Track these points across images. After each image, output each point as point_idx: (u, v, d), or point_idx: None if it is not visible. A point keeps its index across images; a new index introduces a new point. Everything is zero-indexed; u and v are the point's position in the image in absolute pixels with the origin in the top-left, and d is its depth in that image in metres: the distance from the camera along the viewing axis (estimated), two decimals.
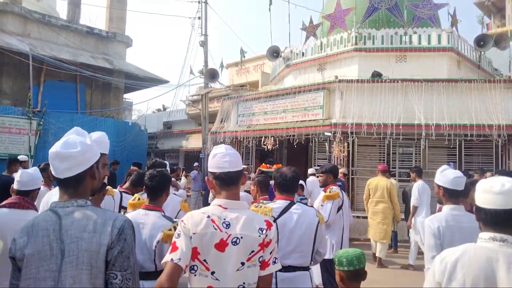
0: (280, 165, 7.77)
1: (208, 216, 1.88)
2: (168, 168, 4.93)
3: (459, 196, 3.01)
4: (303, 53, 13.86)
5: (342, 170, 8.94)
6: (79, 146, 1.68)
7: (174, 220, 2.85)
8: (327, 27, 13.56)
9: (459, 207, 2.96)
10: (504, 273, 1.60)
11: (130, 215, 2.82)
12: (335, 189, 4.67)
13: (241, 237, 1.86)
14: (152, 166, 4.36)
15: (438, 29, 12.25)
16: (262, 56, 19.24)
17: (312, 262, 2.99)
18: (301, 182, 8.02)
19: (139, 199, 3.57)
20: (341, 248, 4.60)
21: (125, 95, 22.70)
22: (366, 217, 8.19)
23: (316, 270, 4.54)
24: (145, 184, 2.94)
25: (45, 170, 5.01)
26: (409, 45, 11.98)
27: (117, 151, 14.97)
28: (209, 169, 2.03)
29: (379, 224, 7.47)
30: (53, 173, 1.67)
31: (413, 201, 7.25)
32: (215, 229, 1.85)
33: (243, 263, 1.85)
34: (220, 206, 1.95)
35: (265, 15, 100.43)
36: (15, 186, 2.96)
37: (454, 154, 10.01)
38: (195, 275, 1.85)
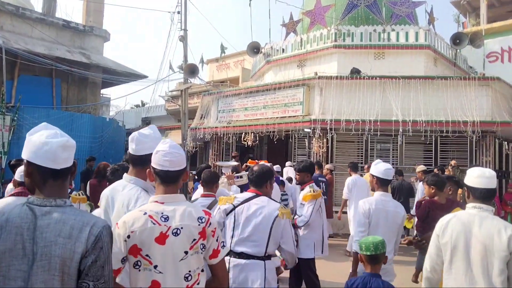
0: (267, 161, 7.77)
1: (145, 213, 1.91)
2: None
3: (388, 184, 3.75)
4: (283, 50, 13.89)
5: (328, 166, 9.04)
6: (67, 138, 1.69)
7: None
8: (307, 24, 13.63)
9: (387, 194, 3.66)
10: (477, 228, 2.38)
11: (97, 210, 2.79)
12: (316, 187, 4.67)
13: (181, 227, 1.90)
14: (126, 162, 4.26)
15: (415, 27, 12.46)
16: (242, 52, 19.19)
17: (287, 265, 3.16)
18: (282, 178, 8.07)
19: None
20: (322, 247, 4.62)
21: (103, 91, 22.27)
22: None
23: None
24: (107, 178, 3.04)
25: (16, 166, 4.89)
26: (388, 42, 12.16)
27: (94, 147, 14.69)
28: (151, 164, 2.05)
29: None
30: (45, 163, 1.60)
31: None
32: (154, 223, 1.88)
33: (186, 252, 1.90)
34: (157, 201, 1.98)
35: (245, 11, 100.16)
36: (17, 177, 2.97)
37: (430, 150, 10.22)
38: (139, 270, 1.88)
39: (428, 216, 4.02)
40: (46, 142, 1.61)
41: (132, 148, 2.35)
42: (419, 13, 14.38)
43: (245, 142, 11.45)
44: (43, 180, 1.62)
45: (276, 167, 8.19)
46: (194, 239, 1.92)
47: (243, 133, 11.58)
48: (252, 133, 11.41)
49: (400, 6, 12.45)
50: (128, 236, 1.87)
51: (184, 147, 14.27)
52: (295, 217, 4.61)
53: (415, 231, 4.53)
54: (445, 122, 9.46)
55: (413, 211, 7.47)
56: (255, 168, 3.19)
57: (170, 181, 2.01)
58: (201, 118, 14.02)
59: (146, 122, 25.29)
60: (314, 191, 4.55)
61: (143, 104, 36.08)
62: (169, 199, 1.98)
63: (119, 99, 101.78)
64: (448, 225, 2.48)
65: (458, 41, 12.93)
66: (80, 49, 18.39)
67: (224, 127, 12.24)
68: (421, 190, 7.35)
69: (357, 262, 3.20)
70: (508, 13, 20.51)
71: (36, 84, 16.70)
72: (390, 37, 12.21)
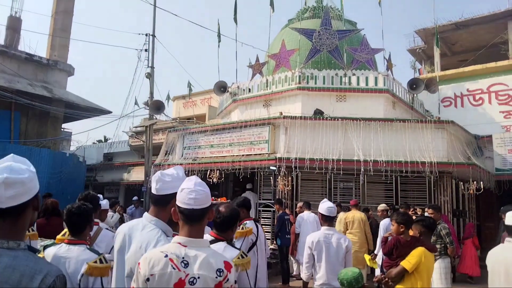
0: (225, 198, 7.74)
1: (166, 255, 1.83)
2: (102, 202, 4.69)
3: (332, 220, 4.49)
4: (249, 89, 14.18)
5: (299, 204, 9.09)
6: (27, 172, 1.54)
7: (100, 253, 2.74)
8: (273, 66, 14.07)
9: (332, 228, 4.33)
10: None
11: (52, 249, 2.70)
12: (248, 224, 4.52)
13: (198, 277, 1.80)
14: (83, 199, 4.08)
15: (375, 72, 13.12)
16: (209, 90, 19.41)
17: None
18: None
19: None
20: (255, 286, 4.33)
21: (64, 125, 21.70)
22: None
23: None
24: (64, 220, 2.83)
25: None
26: (349, 85, 12.70)
27: (52, 183, 14.13)
28: (176, 202, 1.98)
29: (356, 253, 7.70)
30: None
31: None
32: (174, 268, 1.80)
33: None
34: (180, 243, 1.89)
35: (213, 51, 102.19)
36: None
37: (391, 189, 10.51)
38: None
39: (393, 254, 4.10)
40: None
41: (154, 187, 2.29)
42: (378, 59, 15.23)
43: (211, 180, 11.37)
44: None
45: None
46: None
47: (209, 170, 11.52)
48: (218, 171, 11.37)
49: (360, 52, 13.13)
50: (148, 279, 1.80)
51: (146, 184, 13.97)
52: None
53: (384, 269, 4.57)
54: (404, 162, 9.82)
55: (376, 250, 7.59)
56: (223, 210, 2.97)
57: (195, 219, 1.93)
58: (165, 154, 13.86)
59: (108, 158, 24.68)
60: (244, 228, 4.36)
61: (105, 140, 35.35)
62: (193, 243, 1.89)
63: (81, 134, 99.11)
64: (489, 258, 3.23)
65: (414, 86, 13.69)
66: (42, 83, 18.04)
67: (189, 164, 12.14)
68: (383, 228, 7.49)
69: None
70: (460, 62, 22.06)
71: None
72: (351, 81, 12.77)
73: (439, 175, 10.02)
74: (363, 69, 13.14)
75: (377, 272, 7.56)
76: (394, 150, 10.22)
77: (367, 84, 12.71)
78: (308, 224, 8.33)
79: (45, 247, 2.78)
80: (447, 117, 11.95)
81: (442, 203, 10.15)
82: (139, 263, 1.86)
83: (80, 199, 3.95)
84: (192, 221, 1.93)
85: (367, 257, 7.43)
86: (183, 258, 1.83)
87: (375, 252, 7.59)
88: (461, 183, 10.98)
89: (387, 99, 12.83)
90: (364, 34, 13.96)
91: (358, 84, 12.74)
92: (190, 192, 1.92)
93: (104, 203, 7.12)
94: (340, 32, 13.32)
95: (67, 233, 3.43)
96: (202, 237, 1.98)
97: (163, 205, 2.26)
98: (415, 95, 14.23)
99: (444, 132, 10.68)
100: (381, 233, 7.50)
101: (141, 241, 2.17)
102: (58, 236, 3.45)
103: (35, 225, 5.55)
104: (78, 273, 2.57)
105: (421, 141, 10.37)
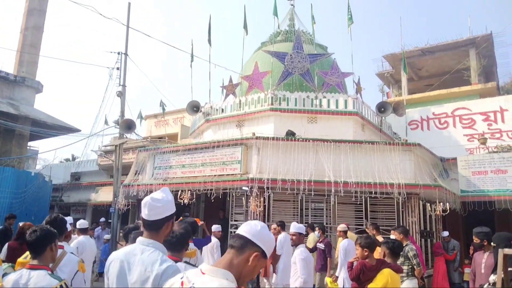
0: (198, 219, 7.63)
1: (182, 278, 1.81)
2: (68, 226, 4.55)
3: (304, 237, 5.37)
4: (222, 110, 14.22)
5: (274, 226, 8.91)
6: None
7: (62, 278, 2.65)
8: (246, 87, 14.20)
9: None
10: None
11: (12, 276, 2.61)
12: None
13: None
14: (51, 222, 3.93)
15: (344, 95, 13.45)
16: (182, 109, 19.35)
17: None
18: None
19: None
20: None
21: (31, 143, 21.06)
22: None
23: None
24: (26, 241, 2.73)
25: None
26: (319, 108, 12.95)
27: (15, 203, 13.57)
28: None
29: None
30: None
31: (277, 251, 8.16)
32: None
33: None
34: (201, 270, 1.78)
35: (186, 71, 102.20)
36: None
37: (361, 210, 10.65)
38: None
39: (360, 278, 4.13)
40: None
41: (144, 213, 2.32)
42: (347, 82, 15.65)
43: (181, 200, 11.21)
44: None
45: (216, 227, 8.09)
46: None
47: (180, 191, 11.36)
48: (189, 191, 11.24)
49: (330, 75, 13.47)
50: None
51: (115, 204, 13.63)
52: None
53: None
54: (373, 183, 10.00)
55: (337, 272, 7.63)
56: (176, 228, 2.87)
57: (149, 229, 2.23)
58: (135, 174, 13.60)
59: (75, 177, 23.99)
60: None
61: (73, 158, 34.39)
62: (213, 272, 1.73)
63: (48, 153, 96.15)
64: None
65: (383, 109, 14.10)
66: (8, 100, 17.51)
67: (159, 184, 11.93)
68: (342, 249, 7.54)
69: None
70: (426, 86, 22.97)
71: None
72: (322, 103, 13.02)
73: (407, 196, 10.23)
74: (333, 92, 13.44)
75: None
76: (363, 172, 10.40)
77: (337, 107, 12.98)
78: (288, 245, 8.11)
79: (3, 274, 2.67)
80: (414, 140, 12.32)
81: (410, 224, 10.34)
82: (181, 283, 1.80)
83: (47, 221, 3.82)
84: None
85: (328, 279, 7.47)
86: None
87: (336, 274, 7.63)
88: (428, 204, 11.26)
89: (356, 122, 13.12)
90: (335, 58, 14.37)
91: (328, 106, 13.00)
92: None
93: (83, 222, 6.92)
94: (312, 56, 13.64)
95: (28, 256, 3.31)
96: (161, 242, 2.26)
97: (156, 229, 2.29)
98: (383, 118, 14.63)
99: (411, 154, 10.98)
100: (340, 255, 7.55)
101: (145, 264, 2.15)
102: (20, 259, 3.32)
103: (4, 248, 5.30)
104: None
105: (390, 163, 10.61)
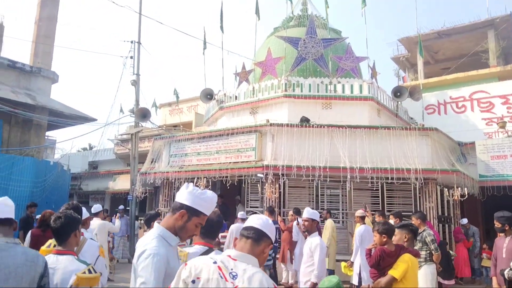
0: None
1: (215, 262, 1.88)
2: (86, 213, 4.63)
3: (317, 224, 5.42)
4: (236, 97, 14.20)
5: (291, 212, 9.08)
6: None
7: (88, 263, 2.71)
8: (259, 73, 14.13)
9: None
10: None
11: None
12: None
13: None
14: (72, 209, 4.03)
15: (359, 80, 13.28)
16: (196, 97, 19.39)
17: None
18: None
19: (54, 245, 3.37)
20: None
21: (48, 133, 21.41)
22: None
23: None
24: (51, 227, 2.78)
25: None
26: (334, 93, 12.82)
27: (35, 192, 13.85)
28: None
29: None
30: None
31: (293, 237, 8.52)
32: (221, 277, 1.83)
33: None
34: (230, 256, 1.93)
35: (199, 58, 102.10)
36: None
37: (377, 196, 10.59)
38: None
39: (379, 264, 4.11)
40: None
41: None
42: (362, 67, 15.44)
43: (197, 188, 11.29)
44: None
45: (241, 214, 8.16)
46: None
47: (196, 178, 11.46)
48: (205, 178, 11.32)
49: (345, 60, 13.28)
50: (193, 281, 1.84)
51: (132, 192, 13.83)
52: None
53: (371, 280, 4.57)
54: (390, 169, 9.92)
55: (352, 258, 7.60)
56: (212, 216, 2.87)
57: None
58: (151, 162, 13.74)
59: (93, 166, 24.37)
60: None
61: (90, 148, 34.92)
62: (243, 258, 1.92)
63: (65, 142, 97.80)
64: None
65: (398, 94, 13.88)
66: (25, 90, 17.75)
67: (175, 172, 12.05)
68: (358, 235, 7.51)
69: None
70: (442, 70, 22.51)
71: None
72: (336, 89, 12.89)
73: (424, 181, 10.13)
74: (348, 77, 13.29)
75: (354, 279, 7.62)
76: (379, 157, 10.31)
77: (352, 92, 12.84)
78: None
79: None
80: (431, 124, 12.12)
81: (428, 209, 10.26)
82: (185, 264, 1.93)
83: (67, 209, 3.89)
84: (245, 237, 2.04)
85: (343, 264, 7.47)
86: (231, 269, 1.86)
87: (351, 259, 7.61)
88: (446, 189, 11.13)
89: (372, 107, 12.97)
90: (349, 43, 14.14)
91: (343, 91, 12.86)
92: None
93: (97, 206, 7.78)
94: (325, 41, 13.46)
95: (52, 244, 3.38)
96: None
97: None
98: (399, 102, 14.42)
99: (428, 139, 10.84)
100: (356, 240, 7.52)
101: (138, 247, 2.18)
102: (43, 248, 3.39)
103: (28, 236, 5.45)
104: (66, 284, 2.54)
105: (406, 148, 10.50)
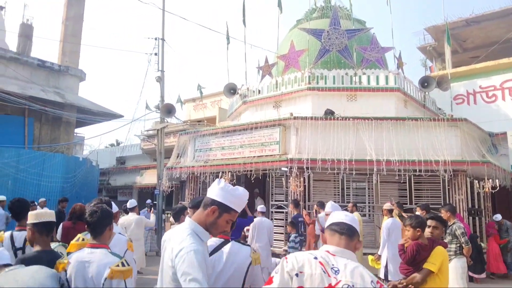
0: None
1: (316, 258, 1.92)
2: (115, 207, 4.73)
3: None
4: (259, 91, 14.18)
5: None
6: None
7: (121, 256, 2.77)
8: (282, 67, 14.04)
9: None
10: None
11: (75, 255, 2.76)
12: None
13: (353, 285, 1.84)
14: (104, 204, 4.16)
15: (385, 71, 13.02)
16: (219, 92, 19.49)
17: None
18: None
19: (83, 239, 3.46)
20: None
21: (77, 130, 21.96)
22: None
23: None
24: (86, 221, 2.85)
25: None
26: (359, 85, 12.62)
27: (66, 187, 14.29)
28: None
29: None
30: None
31: (316, 231, 8.22)
32: (324, 272, 1.86)
33: None
34: (329, 251, 1.98)
35: (222, 53, 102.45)
36: None
37: (404, 188, 10.41)
38: None
39: (415, 259, 4.02)
40: None
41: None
42: (388, 57, 15.12)
43: (229, 184, 11.36)
44: None
45: (261, 208, 8.16)
46: None
47: (220, 172, 11.54)
48: (230, 172, 11.39)
49: (370, 51, 13.04)
50: (297, 275, 1.88)
51: (159, 186, 14.06)
52: None
53: (399, 272, 4.47)
54: (418, 161, 9.72)
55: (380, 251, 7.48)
56: None
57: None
58: (177, 157, 13.92)
59: (120, 161, 24.89)
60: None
61: (118, 143, 35.64)
62: (342, 253, 1.97)
63: (93, 139, 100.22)
64: None
65: (426, 84, 13.55)
66: (54, 89, 18.26)
67: (201, 166, 12.18)
68: (386, 228, 7.39)
69: None
70: (471, 59, 21.79)
71: (8, 124, 16.37)
72: (362, 80, 12.68)
73: (453, 173, 9.88)
74: (373, 68, 13.05)
75: (380, 272, 7.51)
76: (407, 149, 10.11)
77: (377, 83, 12.62)
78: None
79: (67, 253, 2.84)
80: (460, 115, 11.78)
81: (457, 202, 10.01)
82: (286, 257, 1.96)
83: (100, 203, 4.00)
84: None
85: (370, 257, 7.37)
86: (333, 265, 1.90)
87: (379, 253, 7.50)
88: (476, 181, 10.83)
89: (398, 98, 12.72)
90: (374, 33, 13.88)
91: (368, 83, 12.65)
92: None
93: (132, 201, 8.24)
94: (349, 32, 13.24)
95: (80, 238, 3.48)
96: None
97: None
98: (426, 93, 14.08)
99: (457, 130, 10.55)
100: (383, 234, 7.40)
101: (173, 242, 2.18)
102: (73, 242, 3.49)
103: (59, 228, 5.65)
104: (101, 277, 2.61)
105: (434, 140, 10.25)
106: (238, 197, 2.31)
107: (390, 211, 7.69)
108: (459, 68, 19.59)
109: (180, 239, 2.12)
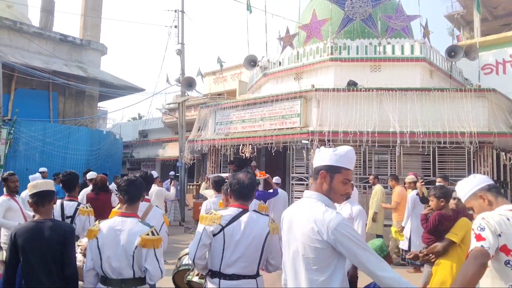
0: (264, 172, 7.74)
1: (508, 219, 2.15)
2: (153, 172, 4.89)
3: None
4: (280, 63, 13.98)
5: None
6: None
7: (151, 225, 2.82)
8: (303, 37, 13.75)
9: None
10: None
11: (107, 222, 2.83)
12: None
13: None
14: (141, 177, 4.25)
15: (411, 40, 12.59)
16: (239, 65, 19.32)
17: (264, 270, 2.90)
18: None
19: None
20: None
21: (100, 104, 22.30)
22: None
23: None
24: (122, 189, 2.89)
25: (7, 180, 4.90)
26: (383, 55, 12.27)
27: (91, 160, 14.64)
28: None
29: None
30: None
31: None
32: None
33: None
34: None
35: (242, 24, 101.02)
36: None
37: (428, 161, 10.23)
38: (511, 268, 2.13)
39: (437, 229, 3.99)
40: None
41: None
42: (414, 26, 14.60)
43: (243, 154, 11.43)
44: None
45: (276, 179, 8.15)
46: None
47: (241, 145, 11.57)
48: (250, 145, 11.41)
49: (395, 20, 12.60)
50: (499, 235, 2.10)
51: (181, 159, 14.25)
52: None
53: (422, 244, 4.44)
54: (443, 133, 9.50)
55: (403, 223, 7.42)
56: (241, 177, 2.87)
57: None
58: (198, 130, 14.01)
59: (143, 134, 25.27)
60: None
61: (140, 117, 36.12)
62: None
63: (116, 112, 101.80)
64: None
65: (453, 53, 13.07)
66: (77, 63, 18.47)
67: (221, 139, 12.23)
68: (411, 200, 7.30)
69: None
70: (501, 27, 20.84)
71: (33, 98, 16.73)
72: (386, 50, 12.32)
73: (479, 145, 9.63)
74: (398, 37, 12.63)
75: (403, 244, 7.48)
76: (431, 121, 9.87)
77: (402, 53, 12.24)
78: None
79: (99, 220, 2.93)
80: (488, 85, 11.34)
81: (482, 174, 9.75)
82: (483, 218, 2.19)
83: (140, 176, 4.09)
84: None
85: (393, 229, 7.33)
86: None
87: (403, 224, 7.45)
88: (503, 153, 10.54)
89: (424, 68, 12.34)
90: (399, 1, 13.36)
91: (393, 53, 12.28)
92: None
93: (153, 173, 8.23)
94: (374, 0, 12.79)
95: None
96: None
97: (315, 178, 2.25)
98: (453, 63, 13.60)
99: (485, 101, 10.20)
100: (408, 206, 7.33)
101: (307, 215, 2.10)
102: (114, 209, 3.61)
103: (84, 199, 5.89)
104: (131, 244, 2.69)
105: (461, 111, 9.96)
106: (341, 154, 2.16)
107: (414, 183, 7.60)
108: (488, 37, 18.78)
109: (322, 212, 2.04)
